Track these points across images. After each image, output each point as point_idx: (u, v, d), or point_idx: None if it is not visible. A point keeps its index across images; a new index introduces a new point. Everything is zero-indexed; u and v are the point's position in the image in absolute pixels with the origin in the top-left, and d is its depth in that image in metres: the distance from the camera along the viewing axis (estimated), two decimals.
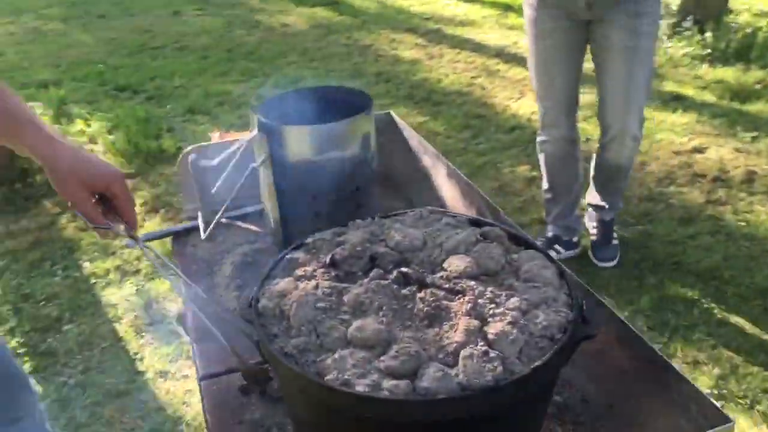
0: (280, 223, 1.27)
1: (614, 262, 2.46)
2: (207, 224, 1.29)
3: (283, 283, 0.91)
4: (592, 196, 2.51)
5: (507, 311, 0.84)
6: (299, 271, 0.94)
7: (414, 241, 0.97)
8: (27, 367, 2.16)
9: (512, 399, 0.77)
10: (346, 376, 0.76)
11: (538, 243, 2.37)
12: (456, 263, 0.92)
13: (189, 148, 1.35)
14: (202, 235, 1.27)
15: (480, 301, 0.86)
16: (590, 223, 2.56)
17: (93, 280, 2.56)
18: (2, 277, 2.63)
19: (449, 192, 1.39)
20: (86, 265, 2.66)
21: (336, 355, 0.79)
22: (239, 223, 1.31)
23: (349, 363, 0.78)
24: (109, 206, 1.00)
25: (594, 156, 2.43)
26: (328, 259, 0.94)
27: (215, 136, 1.75)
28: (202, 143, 1.42)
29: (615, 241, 2.50)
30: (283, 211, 1.26)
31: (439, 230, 1.01)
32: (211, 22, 5.79)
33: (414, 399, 0.74)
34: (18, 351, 2.23)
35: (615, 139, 2.24)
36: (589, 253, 2.52)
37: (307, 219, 1.25)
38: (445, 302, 0.86)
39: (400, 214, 1.07)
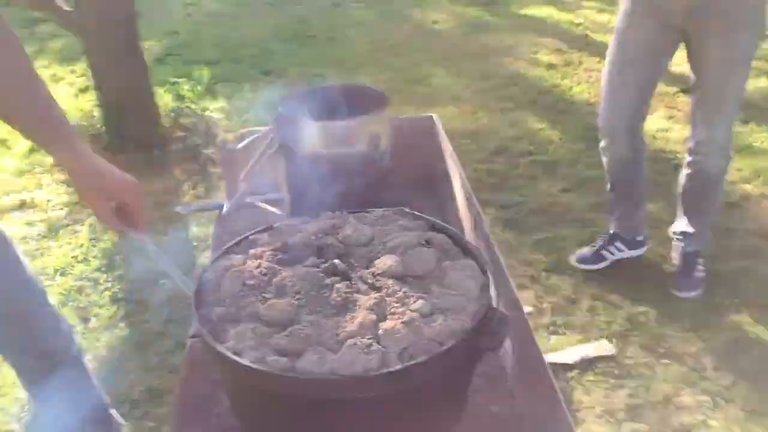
0: (290, 210, 1.38)
1: (695, 294, 2.32)
2: (231, 204, 1.43)
3: (234, 260, 1.02)
4: (677, 223, 2.39)
5: (409, 312, 0.89)
6: (254, 251, 1.04)
7: (360, 237, 1.04)
8: None
9: (382, 390, 0.82)
10: (239, 347, 0.86)
11: (600, 241, 2.37)
12: (385, 262, 0.98)
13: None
14: (222, 213, 1.41)
15: (388, 299, 0.91)
16: (674, 254, 2.43)
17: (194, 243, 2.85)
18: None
19: (457, 200, 1.43)
20: (194, 230, 2.95)
21: (240, 327, 0.89)
22: (264, 205, 1.44)
23: (248, 336, 0.87)
24: (124, 212, 1.15)
25: (681, 173, 2.34)
26: (279, 243, 1.04)
27: None
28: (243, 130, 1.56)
29: (700, 273, 2.36)
30: (293, 199, 1.37)
31: (391, 230, 1.06)
32: (365, 15, 6.03)
33: (287, 375, 0.82)
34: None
35: (701, 146, 2.21)
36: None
37: (314, 208, 1.35)
38: (357, 295, 0.92)
39: (369, 212, 1.14)
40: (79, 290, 2.60)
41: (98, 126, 3.57)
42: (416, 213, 1.12)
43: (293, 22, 5.92)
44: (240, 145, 1.37)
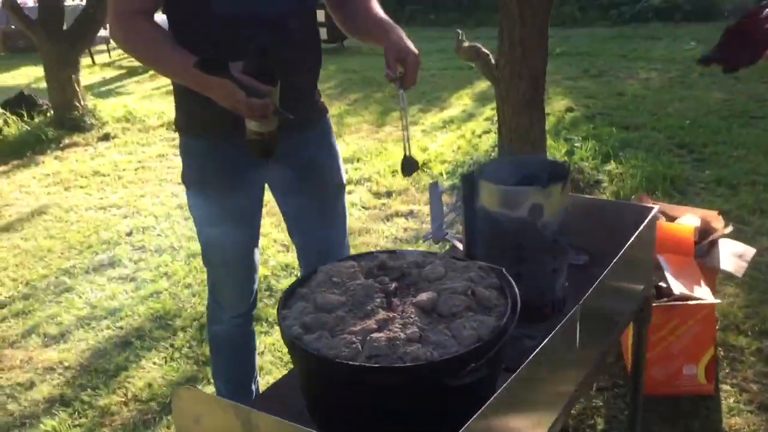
0: (465, 253, 1.62)
1: None
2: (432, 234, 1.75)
3: (347, 263, 1.36)
4: None
5: (401, 333, 1.10)
6: (364, 263, 1.36)
7: (431, 274, 1.26)
8: None
9: (346, 376, 1.07)
10: (294, 324, 1.20)
11: None
12: (423, 296, 1.19)
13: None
14: (424, 243, 1.73)
15: (399, 320, 1.14)
16: None
17: None
18: None
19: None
20: None
21: (300, 304, 1.23)
22: (453, 241, 1.71)
23: (299, 309, 1.21)
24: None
25: None
26: (372, 263, 1.34)
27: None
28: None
29: None
30: (468, 244, 1.62)
31: (457, 276, 1.25)
32: None
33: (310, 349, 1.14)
34: None
35: None
36: None
37: (482, 256, 1.57)
38: (384, 311, 1.17)
39: (463, 260, 1.33)
40: None
41: None
42: (501, 272, 1.27)
43: (744, 100, 5.56)
44: (441, 189, 1.67)
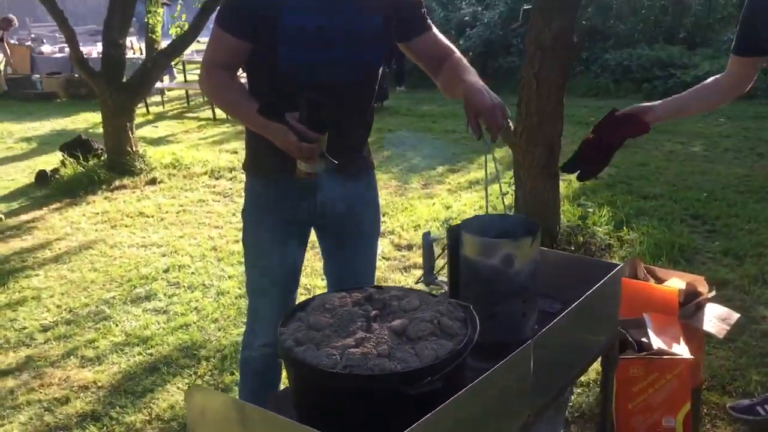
0: (450, 294, 1.86)
1: None
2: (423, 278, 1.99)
3: (335, 296, 1.61)
4: None
5: (372, 350, 1.34)
6: (355, 293, 1.60)
7: (407, 304, 1.50)
8: None
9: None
10: (290, 339, 1.44)
11: None
12: (396, 321, 1.43)
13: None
14: (415, 285, 1.97)
15: (371, 340, 1.38)
16: None
17: None
18: None
19: None
20: None
21: (295, 323, 1.48)
22: (440, 282, 1.95)
23: (293, 328, 1.46)
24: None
25: None
26: (360, 294, 1.59)
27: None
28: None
29: None
30: (452, 287, 1.86)
31: (429, 308, 1.49)
32: None
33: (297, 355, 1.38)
34: None
35: None
36: None
37: (463, 297, 1.81)
38: (362, 332, 1.41)
39: (436, 296, 1.57)
40: None
41: None
42: (468, 308, 1.50)
43: (764, 176, 5.71)
44: (432, 238, 1.92)
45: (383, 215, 5.13)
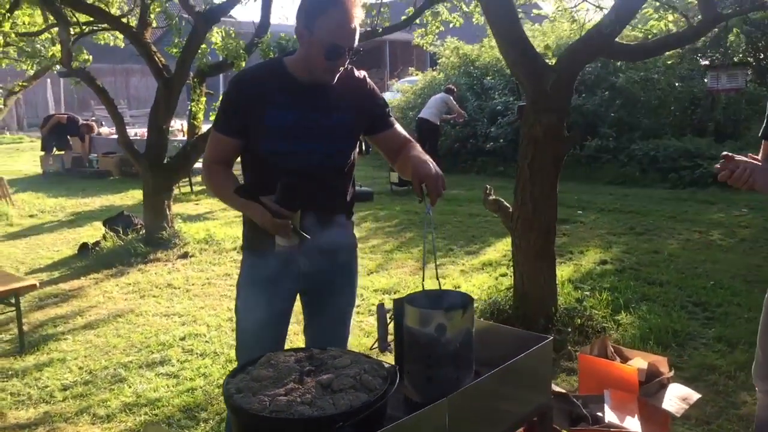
0: (396, 359, 2.09)
1: None
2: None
3: (282, 354, 1.86)
4: None
5: (297, 400, 1.58)
6: (301, 352, 1.85)
7: (339, 362, 1.74)
8: None
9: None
10: (232, 388, 1.69)
11: None
12: (324, 376, 1.67)
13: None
14: (371, 347, 2.21)
15: (300, 390, 1.61)
16: None
17: None
18: None
19: None
20: None
21: (241, 376, 1.73)
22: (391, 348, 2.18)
23: (239, 379, 1.71)
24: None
25: None
26: (304, 354, 1.83)
27: None
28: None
29: None
30: (398, 352, 2.08)
31: (356, 366, 1.72)
32: None
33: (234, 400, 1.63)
34: None
35: None
36: None
37: (405, 361, 2.03)
38: (293, 383, 1.65)
39: (370, 357, 1.81)
40: None
41: (506, 304, 4.54)
42: (393, 368, 1.73)
43: None
44: (389, 310, 2.16)
45: (395, 293, 5.37)
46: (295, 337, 3.83)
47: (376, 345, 2.23)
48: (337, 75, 2.19)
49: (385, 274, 6.01)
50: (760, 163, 2.23)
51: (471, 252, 6.70)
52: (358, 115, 2.30)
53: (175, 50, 6.71)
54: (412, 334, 1.98)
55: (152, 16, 6.95)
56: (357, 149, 2.45)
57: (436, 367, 1.95)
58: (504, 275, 5.56)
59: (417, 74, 16.87)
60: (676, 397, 2.78)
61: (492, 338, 2.20)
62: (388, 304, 2.19)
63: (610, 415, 2.56)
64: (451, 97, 12.08)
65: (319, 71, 2.16)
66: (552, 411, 2.19)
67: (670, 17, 5.48)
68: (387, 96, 17.38)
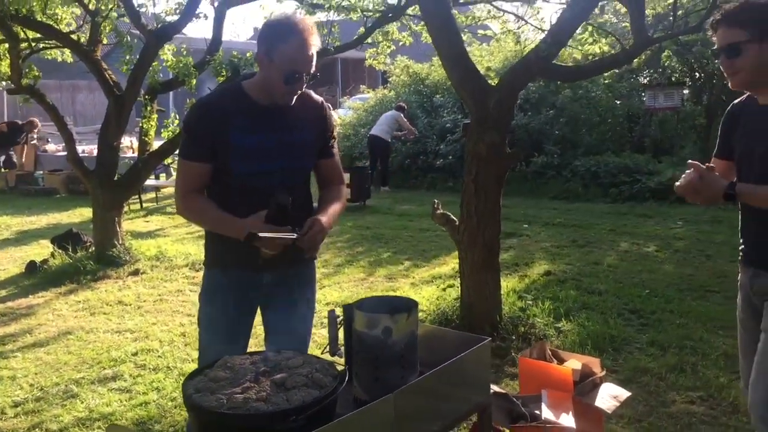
0: (345, 361, 2.22)
1: None
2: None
3: (239, 357, 1.97)
4: None
5: (252, 397, 1.70)
6: (257, 355, 1.97)
7: (292, 363, 1.87)
8: None
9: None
10: (191, 389, 1.80)
11: None
12: (277, 375, 1.79)
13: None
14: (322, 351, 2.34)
15: (254, 389, 1.73)
16: None
17: None
18: None
19: None
20: None
21: (199, 377, 1.84)
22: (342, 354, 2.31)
23: (198, 381, 1.82)
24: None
25: None
26: (259, 356, 1.95)
27: None
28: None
29: None
30: (348, 355, 2.22)
31: (307, 366, 1.85)
32: None
33: (192, 399, 1.74)
34: None
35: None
36: None
37: (354, 363, 2.17)
38: (250, 383, 1.77)
39: (320, 358, 1.94)
40: None
41: (453, 314, 4.71)
42: (339, 368, 1.86)
43: (707, 276, 6.09)
44: (339, 315, 2.30)
45: (342, 304, 5.48)
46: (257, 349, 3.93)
47: (327, 349, 2.37)
48: (295, 97, 2.34)
49: (336, 288, 6.13)
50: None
51: (421, 265, 6.88)
52: (317, 136, 2.47)
53: (125, 67, 6.73)
54: (360, 337, 2.12)
55: (102, 34, 6.95)
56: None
57: (382, 368, 2.10)
58: (451, 286, 5.74)
59: (368, 92, 17.09)
60: (609, 396, 2.97)
61: (436, 341, 2.36)
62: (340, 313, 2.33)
63: (547, 413, 2.74)
64: (402, 115, 12.34)
65: (278, 95, 2.31)
66: (491, 408, 2.35)
67: (604, 41, 5.81)
68: (339, 113, 17.58)
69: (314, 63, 2.29)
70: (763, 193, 2.27)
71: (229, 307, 2.43)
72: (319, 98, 2.48)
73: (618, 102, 12.46)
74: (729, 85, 2.42)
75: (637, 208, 9.58)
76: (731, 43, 2.30)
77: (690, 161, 2.35)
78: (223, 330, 2.43)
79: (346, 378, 1.84)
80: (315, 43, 2.26)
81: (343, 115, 17.00)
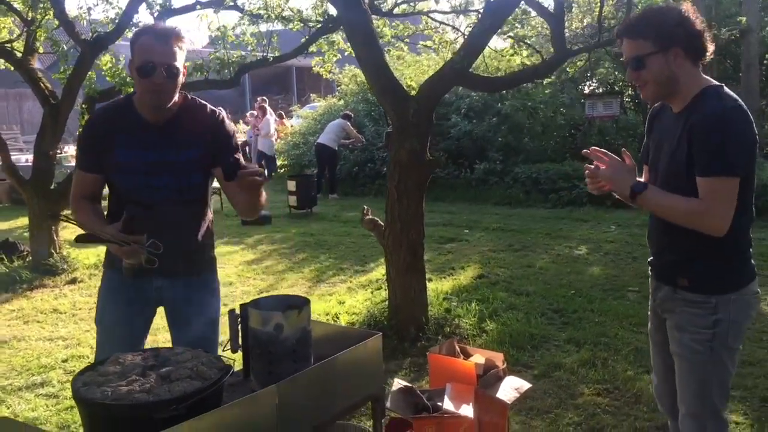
0: (243, 358, 2.34)
1: None
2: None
3: (130, 354, 2.07)
4: None
5: (135, 389, 1.80)
6: (148, 352, 2.07)
7: (181, 357, 1.98)
8: None
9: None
10: (79, 383, 1.90)
11: None
12: (163, 367, 1.90)
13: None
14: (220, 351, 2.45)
15: (140, 381, 1.84)
16: None
17: None
18: None
19: None
20: None
21: (87, 373, 1.93)
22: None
23: (88, 375, 1.91)
24: None
25: None
26: (150, 353, 2.06)
27: None
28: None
29: None
30: (243, 352, 2.34)
31: (194, 360, 1.97)
32: None
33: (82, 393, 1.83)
34: None
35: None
36: None
37: (250, 359, 2.28)
38: (138, 377, 1.87)
39: (213, 355, 2.05)
40: None
41: (381, 316, 4.85)
42: (223, 360, 1.98)
43: (630, 277, 6.36)
44: (239, 314, 2.41)
45: None
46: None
47: (228, 347, 2.48)
48: (164, 96, 2.33)
49: (275, 294, 6.22)
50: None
51: (360, 271, 7.01)
52: (206, 152, 2.46)
53: (62, 77, 6.73)
54: (254, 334, 2.24)
55: (38, 43, 6.94)
56: (212, 182, 2.65)
57: (275, 362, 2.21)
58: (380, 289, 5.89)
59: (318, 100, 17.21)
60: (511, 388, 3.15)
61: (334, 337, 2.48)
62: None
63: (448, 405, 2.89)
64: (348, 123, 12.49)
65: (145, 98, 2.37)
66: (383, 400, 2.49)
67: (525, 53, 6.04)
68: (292, 122, 17.64)
69: (178, 59, 2.30)
70: (667, 204, 2.26)
71: (123, 305, 2.52)
72: (215, 110, 2.51)
73: (561, 110, 12.82)
74: (641, 96, 2.41)
75: (575, 213, 9.90)
76: (636, 55, 2.24)
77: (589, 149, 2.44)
78: (117, 328, 2.52)
79: (231, 371, 1.96)
80: (175, 40, 2.29)
81: (294, 123, 17.08)
